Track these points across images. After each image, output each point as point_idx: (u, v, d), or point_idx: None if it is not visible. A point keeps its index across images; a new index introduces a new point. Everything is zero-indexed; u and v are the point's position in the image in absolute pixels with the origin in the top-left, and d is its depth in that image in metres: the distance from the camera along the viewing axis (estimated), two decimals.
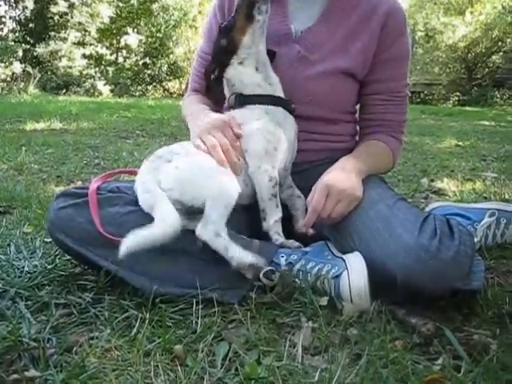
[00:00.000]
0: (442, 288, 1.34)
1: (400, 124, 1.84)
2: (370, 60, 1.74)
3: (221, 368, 1.13)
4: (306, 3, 1.77)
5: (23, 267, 1.63)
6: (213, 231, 1.41)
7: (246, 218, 1.62)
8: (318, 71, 1.69)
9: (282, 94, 1.68)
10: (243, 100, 1.67)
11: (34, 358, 1.14)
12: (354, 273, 1.39)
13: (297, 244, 1.58)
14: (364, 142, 1.81)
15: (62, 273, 1.61)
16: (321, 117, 1.74)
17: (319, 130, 1.76)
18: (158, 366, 1.12)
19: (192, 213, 1.47)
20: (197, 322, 1.30)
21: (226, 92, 1.74)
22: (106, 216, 1.48)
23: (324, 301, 1.41)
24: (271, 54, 1.70)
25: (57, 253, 1.71)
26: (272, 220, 1.59)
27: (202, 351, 1.18)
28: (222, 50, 1.68)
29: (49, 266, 1.64)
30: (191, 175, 1.50)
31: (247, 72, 1.67)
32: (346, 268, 1.41)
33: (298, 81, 1.71)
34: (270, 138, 1.60)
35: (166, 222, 1.36)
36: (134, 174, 1.59)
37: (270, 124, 1.61)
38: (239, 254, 1.41)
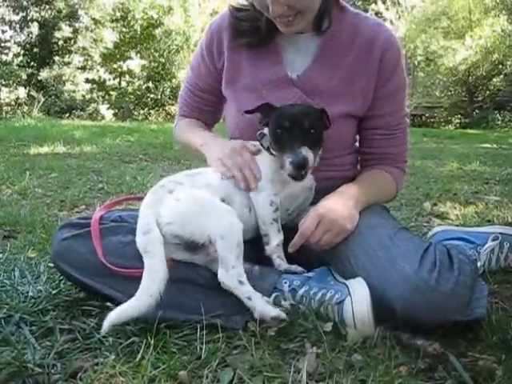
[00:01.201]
0: (439, 320, 1.35)
1: (402, 154, 1.85)
2: (371, 97, 1.74)
3: None
4: (299, 46, 1.75)
5: (28, 292, 1.63)
6: (236, 278, 1.41)
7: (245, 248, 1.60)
8: None
9: None
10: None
11: None
12: (358, 299, 1.39)
13: (300, 269, 1.58)
14: (367, 172, 1.82)
15: (67, 298, 1.61)
16: (321, 157, 1.70)
17: (320, 164, 1.69)
18: None
19: (191, 247, 1.48)
20: (201, 348, 1.30)
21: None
22: (108, 246, 1.51)
23: (328, 326, 1.40)
24: None
25: (61, 278, 1.71)
26: (275, 244, 1.59)
27: (207, 377, 1.18)
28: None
29: (53, 291, 1.65)
30: (192, 210, 1.49)
31: None
32: (350, 294, 1.41)
33: None
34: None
35: (148, 294, 1.34)
36: (140, 200, 1.59)
37: None
38: (262, 309, 1.41)
